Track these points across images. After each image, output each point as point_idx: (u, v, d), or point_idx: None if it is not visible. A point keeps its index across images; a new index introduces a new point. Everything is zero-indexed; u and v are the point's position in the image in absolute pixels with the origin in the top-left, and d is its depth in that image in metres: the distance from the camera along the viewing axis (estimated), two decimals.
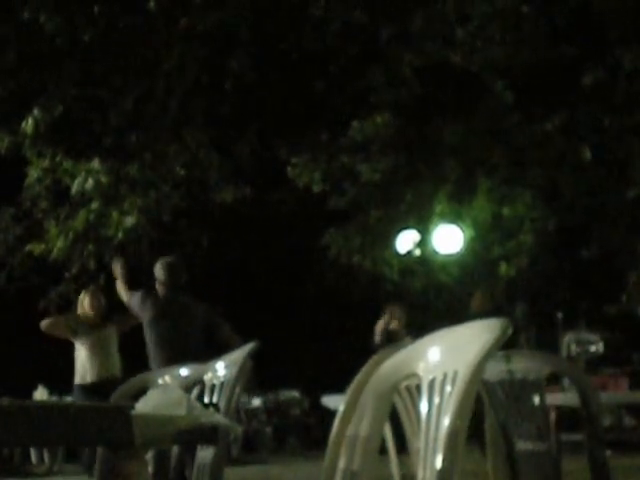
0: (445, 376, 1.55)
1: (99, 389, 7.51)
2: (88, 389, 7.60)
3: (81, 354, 7.72)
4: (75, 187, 11.72)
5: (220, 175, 11.80)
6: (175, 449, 2.99)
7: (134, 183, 11.94)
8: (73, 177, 11.78)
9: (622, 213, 11.43)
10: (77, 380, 7.75)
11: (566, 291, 14.03)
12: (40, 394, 12.21)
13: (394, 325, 8.93)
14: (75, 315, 7.95)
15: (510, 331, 1.50)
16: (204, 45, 10.02)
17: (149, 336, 6.52)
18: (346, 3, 9.84)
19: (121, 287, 6.87)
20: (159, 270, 6.56)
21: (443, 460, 1.47)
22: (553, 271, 13.10)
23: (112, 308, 7.95)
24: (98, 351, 7.68)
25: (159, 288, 6.57)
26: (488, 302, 9.13)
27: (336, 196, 12.52)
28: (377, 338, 8.91)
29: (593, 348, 12.55)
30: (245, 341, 2.82)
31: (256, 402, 14.95)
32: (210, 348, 6.58)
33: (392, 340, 8.56)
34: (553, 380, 6.16)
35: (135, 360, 6.84)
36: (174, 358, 6.21)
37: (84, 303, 7.85)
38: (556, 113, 10.64)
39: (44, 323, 7.81)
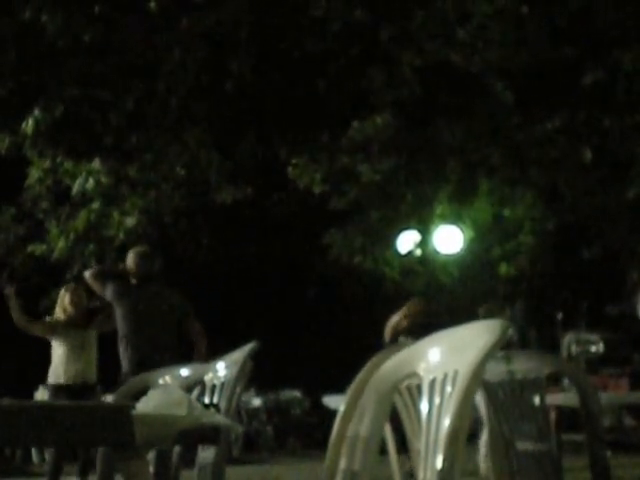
0: (446, 376, 1.55)
1: (73, 392, 7.40)
2: (62, 390, 7.39)
3: (58, 353, 7.47)
4: (76, 187, 11.73)
5: (220, 175, 11.80)
6: (176, 449, 2.99)
7: (135, 183, 11.94)
8: (74, 177, 11.79)
9: (622, 213, 11.43)
10: (51, 379, 7.51)
11: (566, 291, 14.04)
12: (41, 395, 12.20)
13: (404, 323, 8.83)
14: (55, 315, 7.69)
15: (510, 332, 1.50)
16: (204, 45, 10.01)
17: (123, 327, 6.44)
18: (346, 3, 9.84)
19: (91, 280, 6.73)
20: (131, 260, 6.55)
21: (444, 460, 1.48)
22: (553, 271, 13.10)
23: (94, 309, 7.83)
24: (76, 352, 7.43)
25: (131, 278, 6.56)
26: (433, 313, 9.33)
27: (337, 197, 12.51)
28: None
29: (593, 348, 12.57)
30: (244, 340, 2.82)
31: (257, 402, 14.95)
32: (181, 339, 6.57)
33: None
34: (553, 380, 6.17)
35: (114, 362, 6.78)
36: (149, 349, 6.23)
37: (64, 300, 7.60)
38: (556, 113, 10.63)
39: (21, 321, 7.56)
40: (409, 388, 2.57)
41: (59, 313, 7.65)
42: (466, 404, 1.49)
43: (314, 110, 11.15)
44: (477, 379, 1.50)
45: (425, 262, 13.22)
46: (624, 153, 10.52)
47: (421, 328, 9.10)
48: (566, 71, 10.11)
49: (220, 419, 2.35)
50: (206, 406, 2.42)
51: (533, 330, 12.77)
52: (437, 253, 12.91)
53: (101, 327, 7.62)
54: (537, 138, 10.82)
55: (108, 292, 6.57)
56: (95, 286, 6.67)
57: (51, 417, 1.98)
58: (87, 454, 7.67)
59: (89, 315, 7.64)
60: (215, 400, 2.72)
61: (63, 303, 7.64)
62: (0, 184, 12.15)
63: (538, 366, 3.15)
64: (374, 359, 1.91)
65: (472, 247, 12.73)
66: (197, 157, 11.49)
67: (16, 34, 9.83)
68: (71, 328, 7.50)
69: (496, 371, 3.05)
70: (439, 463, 1.48)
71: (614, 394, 7.07)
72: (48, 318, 7.83)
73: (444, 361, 1.59)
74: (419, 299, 9.33)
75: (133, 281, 6.56)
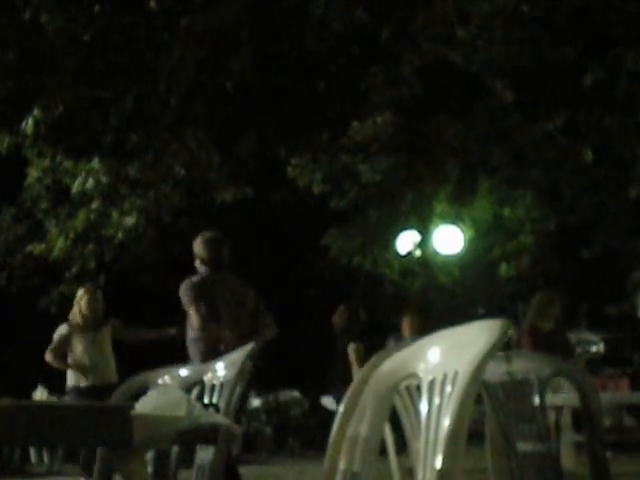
0: (445, 376, 1.54)
1: (94, 394, 7.37)
2: (83, 393, 7.43)
3: (75, 356, 7.54)
4: (75, 187, 11.72)
5: (220, 175, 11.79)
6: (175, 449, 2.98)
7: (134, 183, 11.93)
8: (73, 177, 11.78)
9: (623, 213, 11.42)
10: (71, 382, 7.59)
11: (567, 292, 14.03)
12: (40, 394, 12.19)
13: (406, 333, 8.96)
14: (72, 315, 7.74)
15: (511, 332, 1.49)
16: (204, 45, 10.01)
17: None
18: (347, 3, 9.83)
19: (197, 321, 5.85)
20: (200, 246, 5.96)
21: (443, 460, 1.47)
22: (554, 272, 13.09)
23: (109, 311, 7.86)
24: (92, 354, 7.50)
25: (200, 267, 5.99)
26: (353, 317, 9.60)
27: (336, 196, 12.51)
28: None
29: (594, 348, 12.57)
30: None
31: (256, 402, 14.94)
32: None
33: None
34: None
35: (133, 364, 6.66)
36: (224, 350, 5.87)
37: (81, 302, 7.64)
38: (557, 113, 10.63)
39: (47, 357, 7.57)
40: (408, 388, 2.56)
41: (76, 314, 7.67)
42: (466, 404, 1.48)
43: (314, 109, 11.16)
44: (477, 379, 1.49)
45: (425, 263, 13.21)
46: (625, 153, 10.52)
47: (343, 333, 9.38)
48: (567, 71, 10.11)
49: (219, 419, 2.35)
50: (205, 406, 2.42)
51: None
52: (437, 253, 12.91)
53: (116, 334, 7.66)
54: (537, 138, 10.81)
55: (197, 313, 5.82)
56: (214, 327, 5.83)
57: (50, 417, 1.98)
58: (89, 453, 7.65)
59: (104, 318, 7.69)
60: (214, 400, 2.72)
61: (80, 304, 7.65)
62: None
63: (538, 366, 3.14)
64: (373, 359, 1.90)
65: (472, 247, 12.72)
66: (197, 157, 11.48)
67: (16, 34, 9.83)
68: (84, 331, 7.57)
69: (496, 371, 3.04)
70: (439, 463, 1.47)
71: (614, 395, 7.06)
72: (63, 328, 7.76)
73: (444, 361, 1.59)
74: (343, 307, 9.62)
75: (202, 269, 5.97)
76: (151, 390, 2.42)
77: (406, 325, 9.04)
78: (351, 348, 9.17)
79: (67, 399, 7.67)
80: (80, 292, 7.83)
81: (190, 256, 6.16)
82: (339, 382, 8.91)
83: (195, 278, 5.95)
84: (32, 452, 12.83)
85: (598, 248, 11.88)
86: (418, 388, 1.68)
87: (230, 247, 6.16)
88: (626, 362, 12.50)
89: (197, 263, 6.02)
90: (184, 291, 5.86)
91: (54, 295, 12.77)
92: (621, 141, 10.35)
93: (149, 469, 2.88)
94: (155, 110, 10.49)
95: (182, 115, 10.69)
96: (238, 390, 2.71)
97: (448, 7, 9.49)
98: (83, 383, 7.49)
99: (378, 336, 9.72)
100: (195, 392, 2.85)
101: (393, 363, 1.78)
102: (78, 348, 7.55)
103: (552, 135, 10.73)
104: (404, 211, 12.69)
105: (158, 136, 10.98)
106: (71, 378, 7.61)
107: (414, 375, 1.69)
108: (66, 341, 7.61)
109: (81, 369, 7.54)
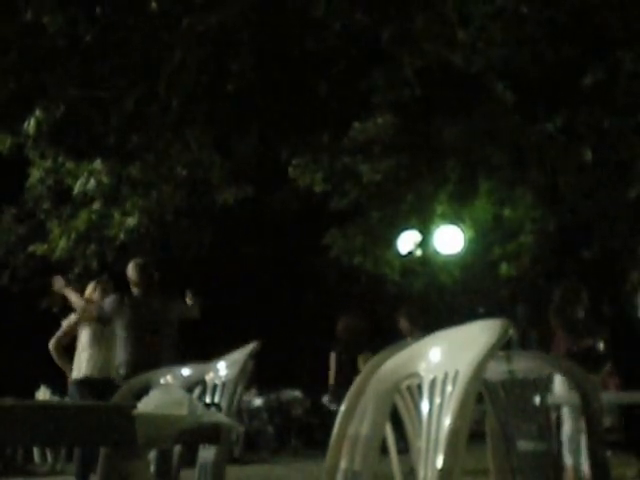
0: (446, 376, 1.55)
1: (98, 387, 7.32)
2: (88, 384, 7.32)
3: (84, 347, 7.45)
4: (77, 187, 11.73)
5: (222, 175, 11.81)
6: (177, 449, 3.00)
7: (136, 183, 11.95)
8: (75, 177, 11.80)
9: (623, 213, 11.43)
10: (80, 373, 7.44)
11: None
12: (42, 394, 12.20)
13: (404, 334, 9.02)
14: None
15: (511, 331, 1.51)
16: (205, 45, 10.01)
17: (123, 337, 6.66)
18: (347, 4, 9.84)
19: (75, 298, 7.13)
20: (131, 271, 6.83)
21: (444, 459, 1.48)
22: (554, 272, 13.10)
23: None
24: (102, 345, 7.40)
25: (133, 289, 6.81)
26: (353, 326, 9.86)
27: (337, 197, 12.52)
28: None
29: None
30: (245, 340, 2.83)
31: (258, 402, 14.96)
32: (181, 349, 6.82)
33: None
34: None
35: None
36: (148, 359, 6.25)
37: (95, 294, 7.54)
38: (557, 114, 10.63)
39: (52, 345, 7.64)
40: (410, 388, 2.58)
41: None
42: (467, 404, 1.50)
43: (315, 110, 11.15)
44: (478, 379, 1.51)
45: (426, 262, 13.22)
46: (624, 153, 10.52)
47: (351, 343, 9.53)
48: (566, 71, 10.11)
49: (221, 418, 2.36)
50: (207, 406, 2.43)
51: (534, 331, 12.77)
52: (437, 253, 12.91)
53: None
54: (537, 138, 10.82)
55: (108, 307, 6.78)
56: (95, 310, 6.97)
57: (52, 417, 1.99)
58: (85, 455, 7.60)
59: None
60: (216, 400, 2.73)
61: (94, 296, 7.58)
62: (1, 184, 12.17)
63: (539, 366, 3.15)
64: (375, 359, 1.92)
65: (472, 247, 12.73)
66: (198, 157, 11.49)
67: (17, 35, 9.83)
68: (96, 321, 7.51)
69: (497, 371, 3.05)
70: (440, 462, 1.49)
71: (614, 394, 7.07)
72: (73, 317, 7.75)
73: (445, 361, 1.60)
74: (345, 319, 9.80)
75: (135, 291, 6.79)
76: (153, 389, 2.43)
77: (401, 326, 9.10)
78: (361, 360, 9.21)
79: (75, 390, 7.47)
80: (93, 284, 7.83)
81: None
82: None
83: (120, 296, 6.87)
84: (35, 452, 12.85)
85: (598, 248, 11.89)
86: (419, 387, 1.69)
87: (157, 271, 7.04)
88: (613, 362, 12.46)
89: (131, 286, 6.87)
90: (108, 302, 6.84)
91: (56, 295, 12.76)
92: (621, 142, 10.36)
93: (151, 468, 2.89)
94: (156, 111, 10.49)
95: (183, 116, 10.69)
96: (239, 390, 2.73)
97: (448, 9, 9.50)
98: (96, 374, 7.40)
99: (379, 337, 9.76)
100: (197, 391, 2.86)
101: (394, 362, 1.80)
102: (87, 340, 7.47)
103: (552, 135, 10.73)
104: (405, 211, 12.69)
105: (159, 137, 10.98)
106: (80, 369, 7.48)
107: (415, 374, 1.70)
108: (75, 327, 7.60)
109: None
